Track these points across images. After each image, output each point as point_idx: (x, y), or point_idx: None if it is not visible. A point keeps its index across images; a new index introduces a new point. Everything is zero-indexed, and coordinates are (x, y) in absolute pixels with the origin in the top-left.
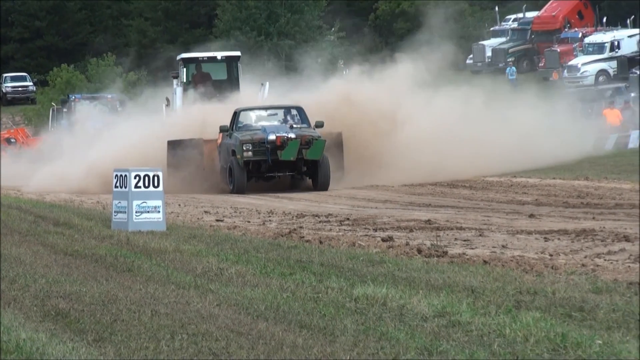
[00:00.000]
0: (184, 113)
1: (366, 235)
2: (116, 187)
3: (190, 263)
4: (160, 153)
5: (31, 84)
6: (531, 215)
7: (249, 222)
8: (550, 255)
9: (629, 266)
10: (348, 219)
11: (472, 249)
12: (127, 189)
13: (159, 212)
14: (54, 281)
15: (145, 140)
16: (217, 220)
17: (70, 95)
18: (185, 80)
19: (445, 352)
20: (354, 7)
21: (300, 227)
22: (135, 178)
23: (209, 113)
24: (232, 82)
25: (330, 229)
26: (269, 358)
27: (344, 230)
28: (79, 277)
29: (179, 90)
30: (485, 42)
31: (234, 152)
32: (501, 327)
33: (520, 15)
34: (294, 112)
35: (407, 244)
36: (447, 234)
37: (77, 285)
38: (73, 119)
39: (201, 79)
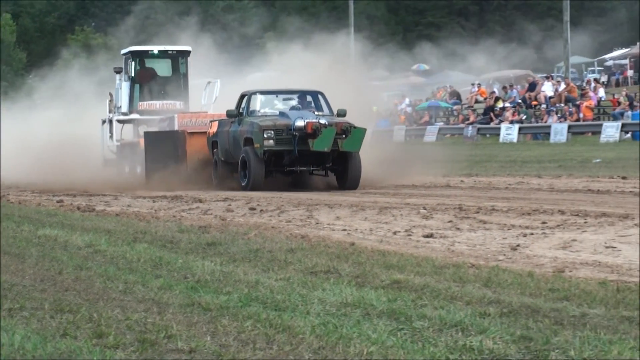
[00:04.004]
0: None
1: (47, 199)
2: None
3: None
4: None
5: None
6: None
7: None
8: (155, 210)
9: (200, 217)
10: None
11: (110, 207)
12: None
13: None
14: None
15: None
16: None
17: None
18: (133, 75)
19: (90, 268)
20: None
21: (8, 194)
22: None
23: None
24: (178, 78)
25: (27, 195)
26: None
27: (34, 195)
28: None
29: (125, 85)
30: None
31: (248, 141)
32: (124, 253)
33: None
34: (309, 98)
35: (72, 203)
36: (96, 199)
37: None
38: None
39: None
